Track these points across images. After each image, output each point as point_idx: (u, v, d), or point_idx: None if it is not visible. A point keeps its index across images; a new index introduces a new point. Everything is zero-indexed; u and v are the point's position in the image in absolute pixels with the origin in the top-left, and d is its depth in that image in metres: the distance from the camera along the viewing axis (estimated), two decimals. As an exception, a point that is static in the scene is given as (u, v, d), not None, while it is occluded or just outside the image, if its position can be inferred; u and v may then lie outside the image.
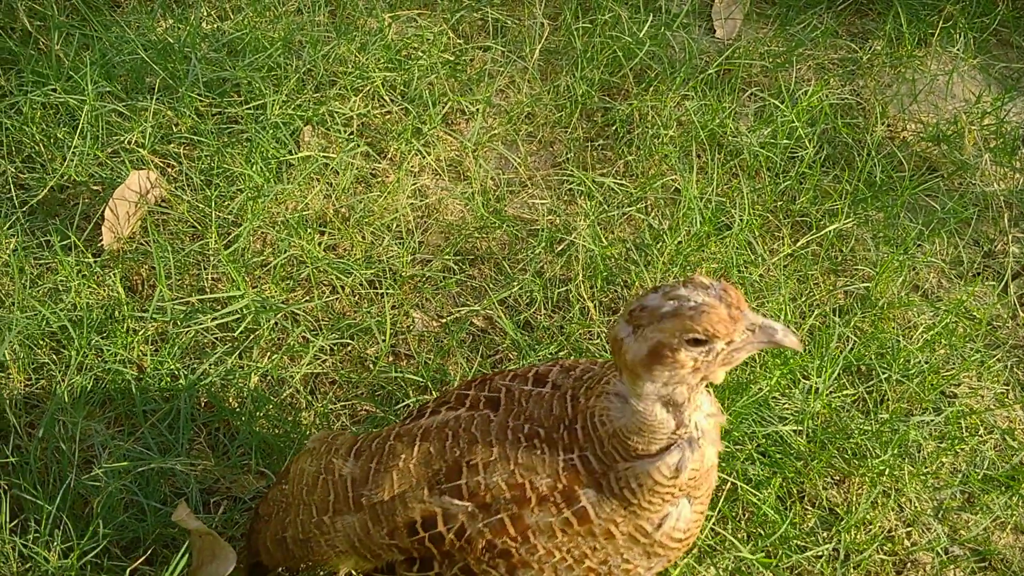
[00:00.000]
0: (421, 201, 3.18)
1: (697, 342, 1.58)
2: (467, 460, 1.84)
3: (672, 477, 1.73)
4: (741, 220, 3.08)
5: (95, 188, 3.05)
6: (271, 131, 3.12)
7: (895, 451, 2.67)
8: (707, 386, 1.74)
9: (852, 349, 2.89)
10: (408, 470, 1.90)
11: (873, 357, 2.89)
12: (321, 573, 2.34)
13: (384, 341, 2.78)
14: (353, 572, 2.17)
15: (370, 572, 2.04)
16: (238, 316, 2.76)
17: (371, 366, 2.78)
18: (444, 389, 2.73)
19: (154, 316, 2.73)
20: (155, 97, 3.18)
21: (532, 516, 1.78)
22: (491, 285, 3.01)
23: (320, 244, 3.01)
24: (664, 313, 1.59)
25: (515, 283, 2.98)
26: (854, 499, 2.64)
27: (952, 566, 2.60)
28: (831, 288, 3.06)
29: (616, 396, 1.74)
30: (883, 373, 2.84)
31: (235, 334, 2.77)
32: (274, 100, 3.19)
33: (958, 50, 3.74)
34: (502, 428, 1.85)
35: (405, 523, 1.89)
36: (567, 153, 3.37)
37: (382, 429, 2.08)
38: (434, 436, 1.91)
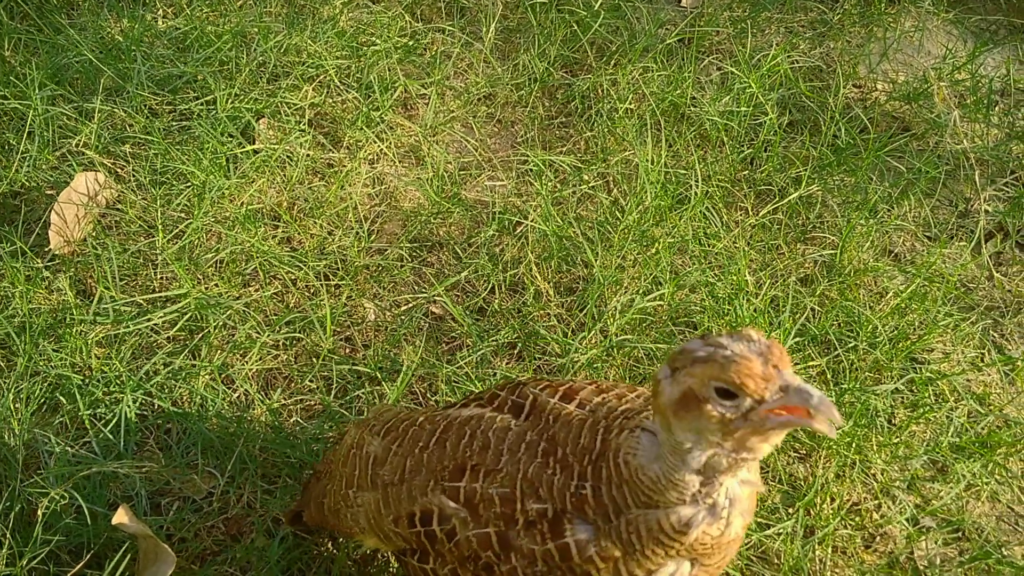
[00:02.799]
0: (377, 189, 3.14)
1: (725, 393, 1.47)
2: (472, 464, 1.81)
3: (678, 532, 1.61)
4: (700, 191, 3.01)
5: (49, 192, 3.03)
6: (220, 126, 3.08)
7: (860, 421, 2.60)
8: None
9: (816, 319, 2.82)
10: (421, 459, 1.89)
11: (839, 326, 2.82)
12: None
13: (326, 335, 2.74)
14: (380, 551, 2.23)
15: (395, 552, 2.04)
16: (183, 314, 2.73)
17: (326, 360, 2.74)
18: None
19: (98, 319, 2.70)
20: (103, 98, 3.15)
21: (518, 539, 1.73)
22: (448, 271, 2.96)
23: (274, 238, 2.98)
24: (698, 357, 1.49)
25: (468, 268, 2.93)
26: (819, 473, 2.57)
27: (923, 537, 2.53)
28: (798, 257, 2.98)
29: (646, 433, 1.64)
30: (849, 342, 2.76)
31: (183, 334, 2.75)
32: (225, 94, 3.15)
33: (930, 4, 3.62)
34: (519, 438, 1.80)
35: (407, 514, 1.88)
36: (527, 133, 3.31)
37: (416, 412, 2.08)
38: (454, 431, 1.89)
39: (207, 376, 2.67)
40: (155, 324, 2.74)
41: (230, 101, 3.16)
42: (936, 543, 2.53)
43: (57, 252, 2.86)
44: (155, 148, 3.06)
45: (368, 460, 2.00)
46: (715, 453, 1.55)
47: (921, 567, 2.49)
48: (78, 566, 2.27)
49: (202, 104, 3.17)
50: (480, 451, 1.82)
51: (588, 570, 1.69)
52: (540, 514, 1.71)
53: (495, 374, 2.71)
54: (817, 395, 1.44)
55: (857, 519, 2.55)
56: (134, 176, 3.05)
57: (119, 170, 3.09)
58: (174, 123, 3.17)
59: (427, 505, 1.84)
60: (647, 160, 3.04)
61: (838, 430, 1.50)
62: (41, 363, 2.64)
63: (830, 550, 2.48)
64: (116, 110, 3.17)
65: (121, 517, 2.25)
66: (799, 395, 1.45)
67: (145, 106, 3.19)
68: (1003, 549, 2.52)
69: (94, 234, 2.93)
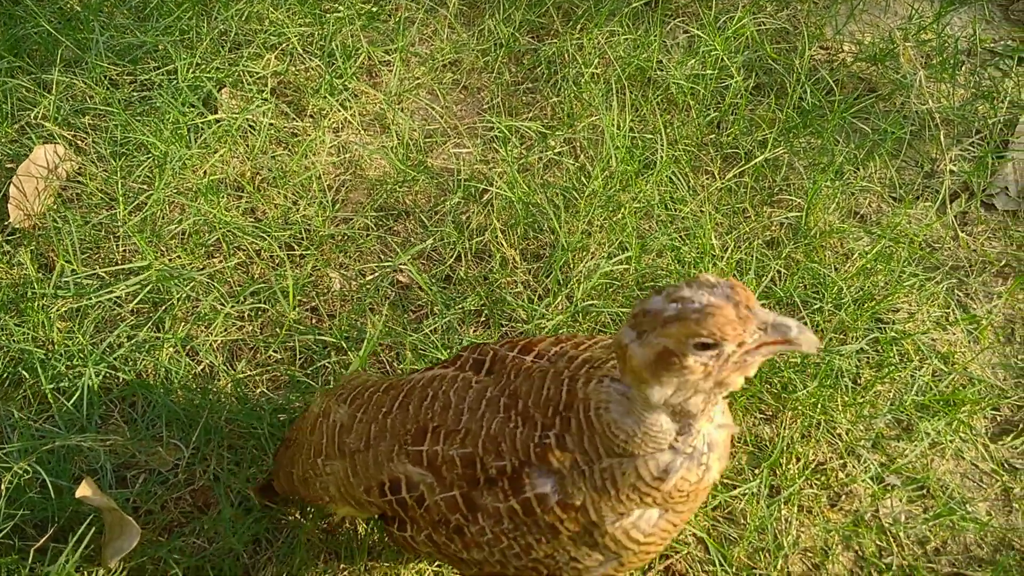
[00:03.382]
0: (342, 158, 3.12)
1: (705, 346, 1.47)
2: (434, 425, 1.81)
3: (656, 479, 1.62)
4: (666, 156, 3.00)
5: (8, 166, 2.99)
6: (181, 96, 3.05)
7: (824, 382, 2.61)
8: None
9: (782, 281, 2.83)
10: (385, 424, 1.89)
11: (805, 287, 2.82)
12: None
13: (289, 305, 2.72)
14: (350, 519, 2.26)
15: (375, 518, 2.06)
16: (145, 286, 2.71)
17: (291, 330, 2.72)
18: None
19: (59, 292, 2.68)
20: (62, 69, 3.11)
21: (482, 498, 1.74)
22: (414, 239, 2.95)
23: (237, 208, 2.95)
24: (668, 317, 1.47)
25: (433, 236, 2.92)
26: (784, 434, 2.59)
27: (888, 495, 2.55)
28: (764, 220, 2.98)
29: (615, 383, 1.63)
30: (814, 304, 2.77)
31: (146, 306, 2.73)
32: (186, 64, 3.11)
33: (897, -35, 3.61)
34: (479, 395, 1.80)
35: (376, 483, 1.88)
36: (493, 99, 3.29)
37: (382, 379, 2.07)
38: (416, 394, 1.89)
39: (171, 348, 2.66)
40: (118, 297, 2.72)
41: (191, 71, 3.12)
42: (901, 500, 2.56)
43: (17, 226, 2.83)
44: (115, 119, 3.02)
45: (335, 428, 2.00)
46: (692, 397, 1.55)
47: (886, 524, 2.51)
48: (42, 539, 2.26)
49: (163, 74, 3.13)
50: (441, 412, 1.82)
51: (551, 522, 1.70)
52: (500, 471, 1.72)
53: (462, 341, 2.71)
54: (795, 325, 1.47)
55: (822, 478, 2.57)
56: (94, 148, 3.02)
57: (79, 142, 3.05)
58: (134, 94, 3.13)
59: (394, 473, 1.85)
60: (613, 125, 3.02)
61: (817, 353, 1.50)
62: (2, 337, 2.62)
63: (796, 509, 2.50)
64: (75, 81, 3.13)
65: (84, 490, 2.25)
66: (778, 330, 1.47)
67: (105, 77, 3.15)
68: (967, 505, 2.54)
69: (55, 207, 2.90)
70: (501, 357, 1.84)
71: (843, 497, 2.56)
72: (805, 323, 2.73)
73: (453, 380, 1.86)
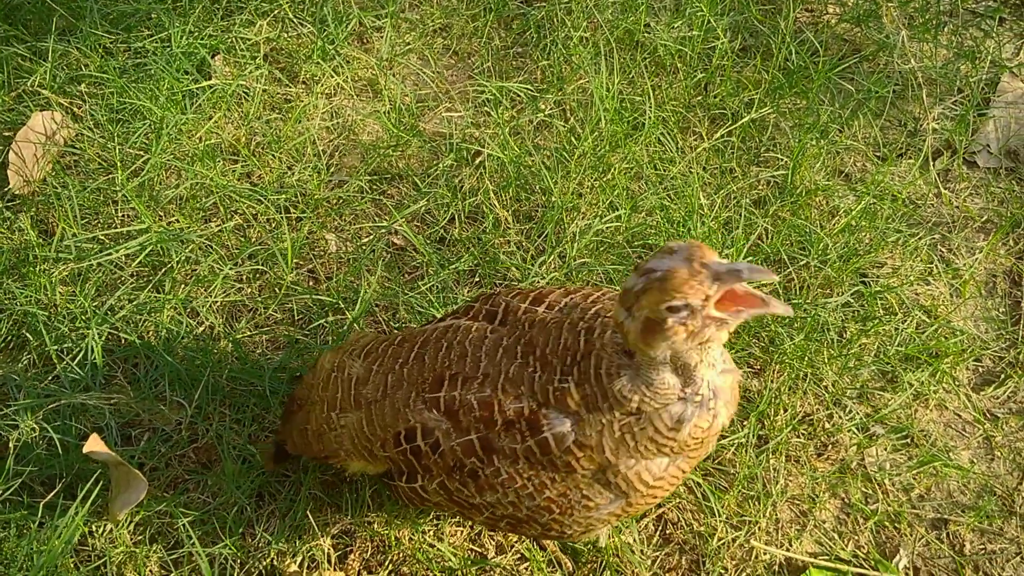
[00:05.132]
0: (335, 122, 3.16)
1: (674, 308, 1.58)
2: (451, 373, 1.89)
3: (671, 430, 1.74)
4: (654, 117, 3.05)
5: (6, 134, 3.02)
6: (176, 63, 3.08)
7: (811, 335, 2.68)
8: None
9: (769, 238, 2.89)
10: (402, 375, 1.96)
11: (791, 244, 2.88)
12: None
13: (288, 267, 2.77)
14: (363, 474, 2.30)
15: (381, 477, 2.12)
16: (145, 249, 2.76)
17: (289, 292, 2.77)
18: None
19: (61, 256, 2.73)
20: (57, 37, 3.13)
21: (499, 440, 1.82)
22: (407, 202, 2.99)
23: (233, 172, 2.99)
24: (639, 291, 1.60)
25: (427, 197, 2.96)
26: (772, 386, 2.65)
27: (873, 444, 2.62)
28: (751, 179, 3.03)
29: (623, 346, 1.74)
30: (800, 260, 2.83)
31: (146, 269, 2.78)
32: (179, 31, 3.14)
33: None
34: (495, 344, 1.89)
35: (392, 435, 1.95)
36: (483, 64, 3.33)
37: (394, 334, 2.14)
38: (432, 344, 1.96)
39: (171, 310, 2.71)
40: (118, 260, 2.77)
41: (184, 38, 3.15)
42: (886, 449, 2.63)
43: (17, 192, 2.87)
44: (111, 86, 3.05)
45: (351, 381, 2.06)
46: (685, 353, 1.67)
47: (872, 472, 2.59)
48: (50, 495, 2.32)
49: (156, 42, 3.16)
50: (458, 360, 1.90)
51: (568, 460, 1.79)
52: (517, 413, 1.80)
53: (456, 300, 2.76)
54: (744, 267, 1.56)
55: (809, 428, 2.64)
56: (91, 115, 3.05)
57: (75, 109, 3.09)
58: (129, 61, 3.16)
59: (410, 422, 1.91)
60: (602, 87, 3.07)
61: (785, 312, 1.61)
62: (5, 301, 2.67)
63: (784, 459, 2.57)
64: (70, 49, 3.16)
65: (92, 445, 2.30)
66: (731, 276, 1.56)
67: (99, 45, 3.18)
68: (950, 453, 2.62)
69: (53, 173, 2.93)
70: (514, 308, 1.94)
71: (829, 446, 2.63)
72: (792, 278, 2.81)
73: (467, 330, 1.94)
